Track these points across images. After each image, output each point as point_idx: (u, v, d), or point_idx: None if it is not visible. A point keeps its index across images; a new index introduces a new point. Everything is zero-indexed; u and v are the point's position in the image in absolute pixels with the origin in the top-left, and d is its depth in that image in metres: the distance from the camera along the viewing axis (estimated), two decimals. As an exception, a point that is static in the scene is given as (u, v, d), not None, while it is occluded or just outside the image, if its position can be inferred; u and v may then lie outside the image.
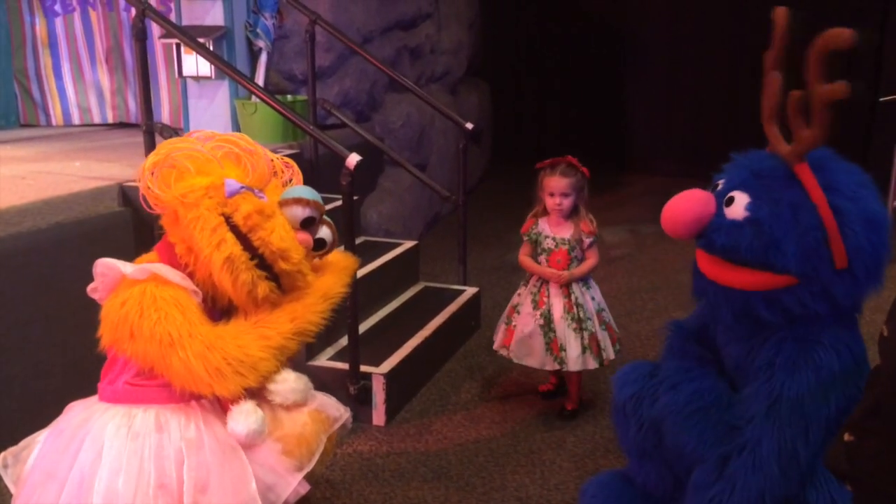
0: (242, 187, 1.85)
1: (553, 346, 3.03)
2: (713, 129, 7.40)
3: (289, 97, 4.66)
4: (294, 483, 1.99)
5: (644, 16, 7.76)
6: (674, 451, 1.96)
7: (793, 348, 1.77)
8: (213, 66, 4.22)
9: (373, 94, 5.22)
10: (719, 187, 1.89)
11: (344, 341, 3.21)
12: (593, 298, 3.09)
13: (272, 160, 2.05)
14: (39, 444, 1.88)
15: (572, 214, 3.08)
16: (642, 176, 7.79)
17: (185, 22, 4.45)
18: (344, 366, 3.07)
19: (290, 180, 2.16)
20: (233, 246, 1.83)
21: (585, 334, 3.02)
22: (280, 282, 1.94)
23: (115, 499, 1.75)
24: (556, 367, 3.04)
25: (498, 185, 7.28)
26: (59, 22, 4.81)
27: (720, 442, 1.86)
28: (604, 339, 3.06)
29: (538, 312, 3.05)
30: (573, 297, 3.04)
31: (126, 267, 1.81)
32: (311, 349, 3.18)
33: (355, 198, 3.00)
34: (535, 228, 3.13)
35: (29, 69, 4.90)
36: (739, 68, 6.99)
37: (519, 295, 3.18)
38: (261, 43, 4.46)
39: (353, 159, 2.83)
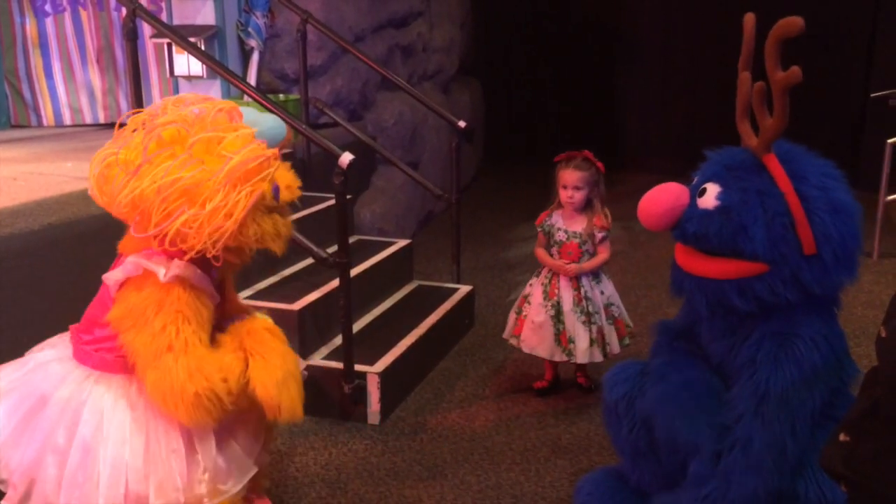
0: (276, 187, 1.85)
1: (562, 338, 3.08)
2: (706, 126, 7.36)
3: (281, 96, 4.65)
4: (257, 450, 2.04)
5: (637, 13, 7.77)
6: (666, 444, 1.97)
7: (772, 344, 1.81)
8: (204, 66, 4.21)
9: (365, 92, 5.21)
10: (694, 181, 1.96)
11: (338, 340, 3.20)
12: (602, 292, 3.13)
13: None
14: (8, 399, 1.82)
15: (586, 208, 3.13)
16: (635, 174, 7.77)
17: (176, 21, 4.44)
18: (338, 365, 3.06)
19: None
20: (278, 219, 1.88)
21: (593, 327, 3.08)
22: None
23: (123, 469, 1.76)
24: (565, 358, 3.09)
25: (491, 184, 7.29)
26: (49, 22, 4.78)
27: (712, 429, 1.87)
28: (609, 332, 3.12)
29: (549, 303, 3.10)
30: (582, 291, 3.09)
31: (160, 271, 1.77)
32: (306, 348, 3.18)
33: (348, 197, 3.00)
34: (549, 220, 3.20)
35: (19, 69, 4.88)
36: (733, 66, 6.99)
37: (531, 285, 3.23)
38: (252, 42, 4.45)
39: (346, 158, 2.83)
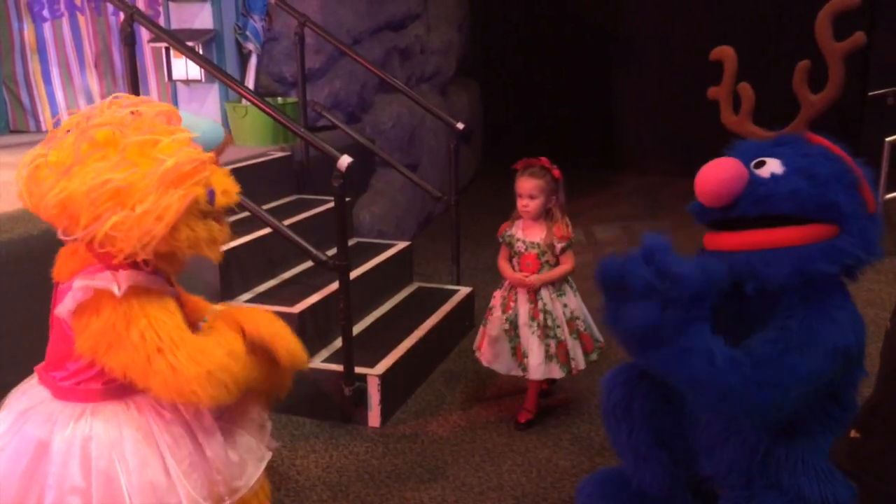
0: (212, 192, 1.79)
1: (517, 352, 2.97)
2: (703, 127, 7.37)
3: (279, 99, 4.66)
4: (266, 438, 2.04)
5: (633, 15, 7.78)
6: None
7: (806, 316, 1.80)
8: (202, 70, 4.22)
9: (363, 95, 5.22)
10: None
11: (338, 343, 3.20)
12: (565, 305, 2.97)
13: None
14: (6, 452, 1.78)
15: (546, 218, 2.99)
16: (633, 175, 7.81)
17: (173, 25, 4.44)
18: (339, 367, 3.06)
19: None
20: (214, 228, 1.83)
21: (552, 342, 2.93)
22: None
23: (151, 490, 1.74)
24: (521, 373, 2.97)
25: (489, 185, 7.28)
26: (47, 27, 4.79)
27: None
28: (574, 347, 2.96)
29: (504, 317, 2.99)
30: (540, 304, 2.94)
31: (113, 286, 1.70)
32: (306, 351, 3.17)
33: (347, 199, 3.00)
34: (509, 231, 3.07)
35: (18, 75, 4.88)
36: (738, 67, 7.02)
37: (495, 297, 3.12)
38: (250, 45, 4.45)
39: (345, 161, 2.83)
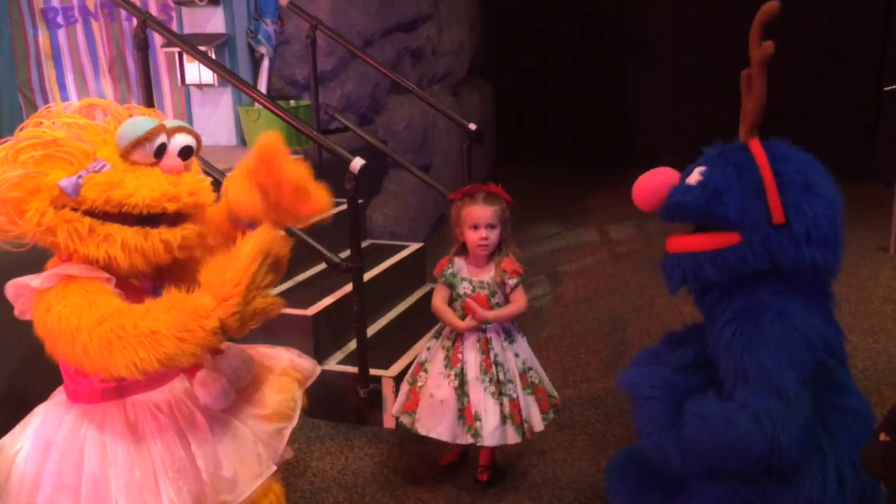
0: (78, 178, 1.69)
1: (467, 414, 2.49)
2: (717, 124, 7.38)
3: (291, 103, 4.67)
4: (281, 447, 2.00)
5: (646, 12, 7.74)
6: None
7: (740, 322, 1.88)
8: (215, 74, 4.23)
9: (375, 96, 5.22)
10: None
11: (352, 345, 3.21)
12: (517, 355, 2.57)
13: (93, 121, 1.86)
14: (21, 454, 1.81)
15: (494, 253, 2.60)
16: (648, 171, 7.77)
17: (186, 30, 4.47)
18: (353, 369, 3.07)
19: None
20: (118, 232, 1.71)
21: (506, 400, 2.50)
22: (186, 218, 1.83)
23: (138, 492, 1.75)
24: (470, 440, 2.49)
25: (503, 184, 7.26)
26: (61, 34, 4.82)
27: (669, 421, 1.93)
28: (527, 406, 2.55)
29: (451, 372, 2.52)
30: (492, 354, 2.52)
31: (34, 280, 1.73)
32: (321, 354, 3.18)
33: (360, 201, 3.00)
34: (450, 269, 2.61)
35: (33, 81, 4.92)
36: (743, 62, 6.98)
37: (429, 349, 2.65)
38: (262, 49, 4.47)
39: (358, 163, 2.83)
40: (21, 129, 1.78)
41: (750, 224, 1.86)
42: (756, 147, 1.92)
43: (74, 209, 1.70)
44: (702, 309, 2.06)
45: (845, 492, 1.84)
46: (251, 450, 1.93)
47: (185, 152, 1.85)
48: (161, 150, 1.79)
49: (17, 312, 1.80)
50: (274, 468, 1.97)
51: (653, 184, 2.05)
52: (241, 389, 1.96)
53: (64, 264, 1.76)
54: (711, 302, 1.99)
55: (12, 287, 1.77)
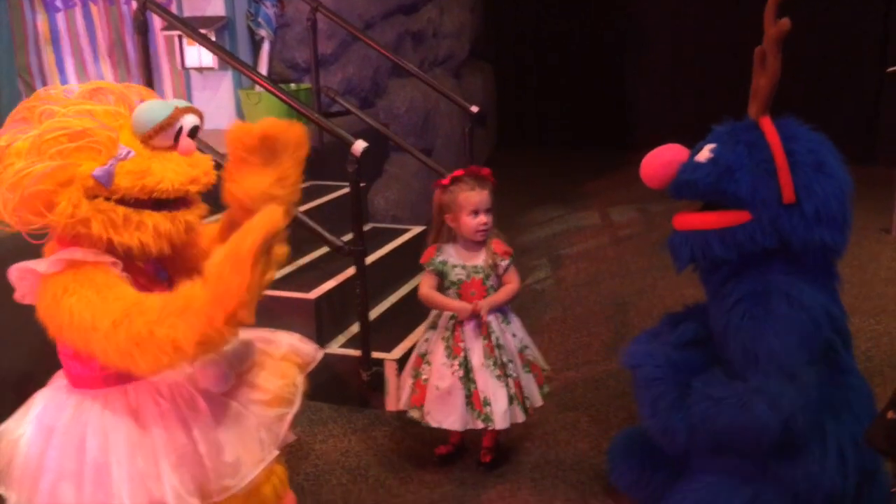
0: (111, 167, 1.67)
1: (475, 400, 2.50)
2: (717, 107, 7.35)
3: (292, 86, 4.65)
4: (282, 432, 1.99)
5: (648, -4, 7.70)
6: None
7: (748, 304, 1.88)
8: (215, 57, 4.22)
9: (376, 79, 5.20)
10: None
11: (355, 328, 3.22)
12: (514, 335, 2.59)
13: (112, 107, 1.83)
14: (23, 440, 1.81)
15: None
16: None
17: (186, 13, 4.45)
18: (356, 352, 3.07)
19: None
20: (149, 219, 1.72)
21: (510, 381, 2.53)
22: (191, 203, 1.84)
23: (141, 479, 1.75)
24: (481, 425, 2.51)
25: (504, 168, 7.20)
26: (60, 17, 4.80)
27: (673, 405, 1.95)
28: (528, 383, 2.58)
29: (455, 362, 2.52)
30: (493, 337, 2.53)
31: (40, 265, 1.72)
32: (323, 337, 3.19)
33: (362, 185, 3.00)
34: (440, 256, 2.60)
35: (32, 65, 4.89)
36: (742, 45, 6.96)
37: (427, 341, 2.63)
38: (263, 32, 4.45)
39: (360, 146, 2.83)
40: (17, 113, 1.75)
41: (760, 202, 1.86)
42: (767, 125, 1.91)
43: (107, 198, 1.70)
44: (707, 286, 2.06)
45: (846, 468, 1.85)
46: (253, 435, 1.92)
47: (194, 132, 1.86)
48: (179, 134, 1.80)
49: (17, 296, 1.79)
50: (276, 453, 1.97)
51: (662, 160, 2.03)
52: (242, 374, 1.96)
53: (68, 248, 1.74)
54: (718, 280, 1.99)
55: (16, 271, 1.76)
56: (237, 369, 1.94)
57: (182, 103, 1.85)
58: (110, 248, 1.74)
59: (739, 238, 1.88)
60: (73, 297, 1.68)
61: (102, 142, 1.69)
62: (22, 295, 1.79)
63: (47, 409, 1.85)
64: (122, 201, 1.71)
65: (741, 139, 1.93)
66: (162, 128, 1.76)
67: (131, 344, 1.62)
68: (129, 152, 1.71)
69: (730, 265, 1.94)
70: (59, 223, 1.68)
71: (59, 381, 1.92)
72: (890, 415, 1.08)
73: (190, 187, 1.78)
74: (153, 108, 1.78)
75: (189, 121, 1.83)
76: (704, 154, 1.96)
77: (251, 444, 1.91)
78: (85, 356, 1.74)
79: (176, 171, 1.76)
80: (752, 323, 1.86)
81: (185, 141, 1.82)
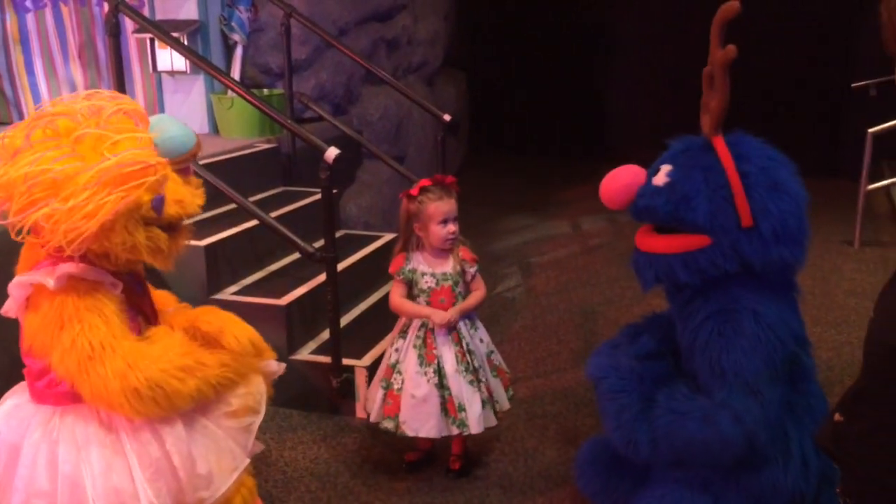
0: (162, 196, 1.74)
1: (450, 407, 2.52)
2: (691, 118, 7.47)
3: (265, 91, 4.64)
4: (250, 442, 2.00)
5: (621, 5, 7.79)
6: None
7: (715, 322, 1.91)
8: (187, 61, 4.19)
9: (349, 86, 5.20)
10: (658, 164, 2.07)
11: (326, 335, 3.21)
12: (482, 340, 2.64)
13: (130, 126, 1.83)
14: None
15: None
16: (619, 164, 7.82)
17: (158, 16, 4.42)
18: (326, 359, 3.07)
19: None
20: (173, 242, 1.84)
21: (482, 385, 2.57)
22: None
23: (115, 495, 1.73)
24: (457, 431, 2.53)
25: (476, 176, 7.29)
26: (30, 18, 4.74)
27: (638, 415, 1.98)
28: (496, 387, 2.64)
29: (430, 369, 2.53)
30: (464, 343, 2.57)
31: (48, 280, 1.69)
32: (293, 343, 3.18)
33: (334, 191, 3.00)
34: (409, 265, 2.62)
35: (0, 66, 4.84)
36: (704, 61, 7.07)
37: (397, 350, 2.63)
38: (236, 37, 4.43)
39: (332, 153, 2.83)
40: (33, 124, 1.71)
41: (719, 228, 1.88)
42: (721, 147, 1.93)
43: (155, 225, 1.76)
44: (673, 304, 2.09)
45: (809, 474, 1.90)
46: (223, 445, 1.92)
47: None
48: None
49: (3, 310, 1.76)
50: (248, 461, 1.97)
51: (619, 183, 2.06)
52: None
53: (67, 264, 1.71)
54: (683, 299, 2.02)
55: (19, 287, 1.73)
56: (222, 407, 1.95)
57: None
58: (115, 268, 1.78)
59: (701, 263, 1.91)
60: (78, 325, 1.69)
61: (156, 171, 1.71)
62: (8, 309, 1.76)
63: (10, 427, 1.80)
64: (162, 227, 1.78)
65: (697, 164, 1.94)
66: (193, 155, 1.83)
67: (145, 395, 1.70)
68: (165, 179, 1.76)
69: (693, 286, 1.97)
70: (114, 250, 1.71)
71: (16, 397, 1.88)
72: (837, 417, 1.12)
73: (195, 211, 1.88)
74: (182, 135, 1.82)
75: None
76: (661, 177, 1.98)
77: (223, 454, 1.91)
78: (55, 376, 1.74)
79: (193, 194, 1.86)
80: (720, 340, 1.89)
81: (190, 169, 1.91)
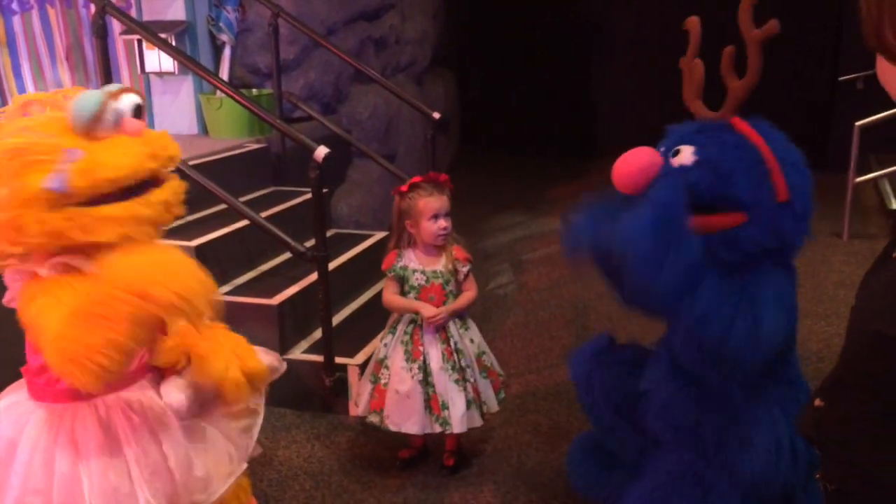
0: (60, 174, 1.61)
1: (433, 404, 2.54)
2: (678, 115, 7.50)
3: (254, 91, 4.64)
4: (250, 445, 2.00)
5: (613, 4, 7.81)
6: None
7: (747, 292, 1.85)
8: (175, 62, 4.19)
9: (338, 86, 5.20)
10: (662, 149, 2.00)
11: (318, 334, 3.22)
12: (472, 340, 2.63)
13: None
14: None
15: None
16: (610, 162, 7.82)
17: (145, 17, 4.41)
18: (319, 358, 3.08)
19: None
20: (122, 210, 1.68)
21: (469, 385, 2.57)
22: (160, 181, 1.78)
23: (112, 494, 1.72)
24: (439, 429, 2.54)
25: (466, 174, 7.29)
26: (16, 20, 4.72)
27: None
28: (485, 388, 2.63)
29: (415, 366, 2.54)
30: (452, 342, 2.57)
31: (41, 270, 1.68)
32: (286, 342, 3.18)
33: (324, 190, 3.01)
34: (400, 262, 2.62)
35: (-13, 69, 4.81)
36: (703, 51, 7.10)
37: (386, 346, 2.64)
38: (224, 37, 4.42)
39: (322, 152, 2.83)
40: None
41: (759, 203, 1.84)
42: (745, 126, 1.91)
43: (71, 205, 1.64)
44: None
45: (798, 464, 1.91)
46: (221, 449, 1.91)
47: (137, 111, 1.80)
48: (118, 117, 1.73)
49: (6, 300, 1.75)
50: (245, 466, 1.96)
51: (639, 164, 1.93)
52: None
53: (65, 256, 1.69)
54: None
55: (12, 272, 1.71)
56: (201, 395, 1.90)
57: (112, 87, 1.78)
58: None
59: (742, 241, 1.86)
60: (44, 298, 1.63)
61: (45, 151, 1.63)
62: (10, 299, 1.74)
63: (7, 423, 1.80)
64: (91, 202, 1.65)
65: (724, 141, 1.90)
66: (98, 118, 1.69)
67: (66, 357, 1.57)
68: (76, 153, 1.65)
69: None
70: (33, 243, 1.63)
71: (14, 394, 1.87)
72: (817, 402, 1.13)
73: (149, 165, 1.72)
74: (85, 100, 1.71)
75: (127, 101, 1.76)
76: (687, 157, 1.91)
77: (220, 458, 1.90)
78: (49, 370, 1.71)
79: (128, 153, 1.70)
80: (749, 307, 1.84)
81: (129, 123, 1.75)
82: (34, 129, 1.68)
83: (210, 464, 1.87)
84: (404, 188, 2.60)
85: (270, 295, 3.22)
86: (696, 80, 2.13)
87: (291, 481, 2.67)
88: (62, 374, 1.61)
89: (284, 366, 2.16)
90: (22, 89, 4.83)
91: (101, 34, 3.15)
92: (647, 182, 1.90)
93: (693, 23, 2.15)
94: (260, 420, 2.03)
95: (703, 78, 2.11)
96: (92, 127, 1.69)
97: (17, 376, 1.88)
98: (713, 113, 2.09)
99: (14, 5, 4.70)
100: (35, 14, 4.71)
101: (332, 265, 3.26)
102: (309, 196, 3.03)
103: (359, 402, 2.70)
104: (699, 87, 2.13)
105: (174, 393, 1.85)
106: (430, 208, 2.54)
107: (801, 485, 1.92)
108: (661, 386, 2.04)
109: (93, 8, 3.16)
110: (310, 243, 3.08)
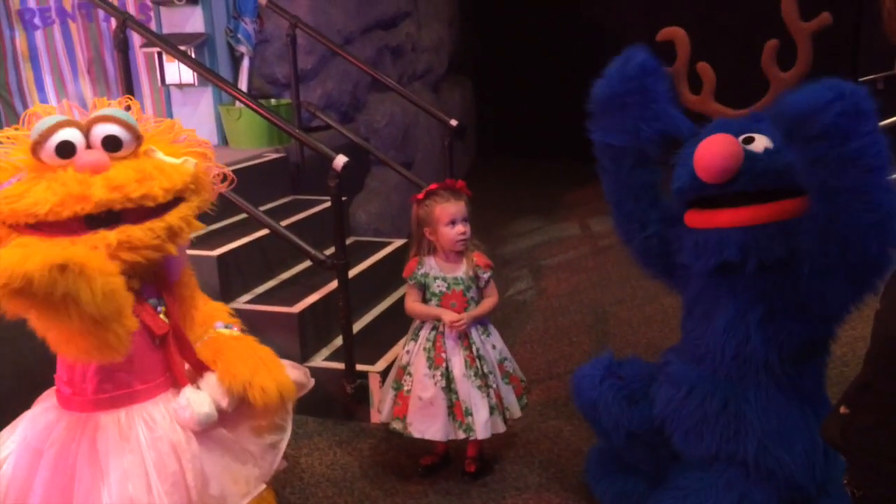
0: None
1: (456, 411, 2.54)
2: (693, 116, 7.47)
3: (272, 101, 4.67)
4: (276, 462, 2.00)
5: (624, 9, 7.80)
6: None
7: None
8: (195, 74, 4.23)
9: (356, 94, 5.23)
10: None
11: (339, 341, 3.23)
12: (494, 346, 2.63)
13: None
14: (9, 461, 1.80)
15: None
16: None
17: (165, 30, 4.46)
18: (340, 365, 3.09)
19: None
20: (36, 246, 1.55)
21: (491, 391, 2.57)
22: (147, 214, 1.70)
23: None
24: (463, 435, 2.54)
25: (483, 181, 7.29)
26: (39, 35, 4.79)
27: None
28: (507, 394, 2.62)
29: (437, 372, 2.54)
30: (474, 349, 2.57)
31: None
32: (307, 350, 3.20)
33: (343, 199, 3.02)
34: (421, 269, 2.63)
35: (11, 83, 4.89)
36: (716, 57, 7.06)
37: (408, 352, 2.65)
38: (242, 48, 4.47)
39: (340, 161, 2.85)
40: None
41: None
42: None
43: (5, 225, 1.64)
44: (723, 283, 1.99)
45: (828, 465, 1.89)
46: (240, 469, 1.91)
47: (110, 143, 1.70)
48: (65, 148, 1.66)
49: None
50: (263, 487, 1.95)
51: (731, 151, 1.88)
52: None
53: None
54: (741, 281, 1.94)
55: None
56: (224, 407, 1.90)
57: (98, 112, 1.74)
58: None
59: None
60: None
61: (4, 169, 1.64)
62: None
63: (35, 430, 1.82)
64: (18, 227, 1.63)
65: None
66: (36, 145, 1.64)
67: None
68: (14, 179, 1.64)
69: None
70: None
71: (46, 401, 1.90)
72: (842, 409, 1.12)
73: (75, 207, 1.61)
74: (38, 124, 1.67)
75: (98, 132, 1.69)
76: (762, 144, 1.89)
77: (238, 478, 1.90)
78: (95, 378, 1.75)
79: (55, 190, 1.60)
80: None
81: (88, 155, 1.66)
82: (6, 146, 1.70)
83: (227, 482, 1.87)
84: (421, 196, 2.62)
85: (291, 303, 3.24)
86: (709, 82, 2.15)
87: (314, 488, 2.68)
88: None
89: (312, 382, 2.15)
90: (45, 102, 4.90)
91: (122, 48, 3.19)
92: (734, 171, 1.87)
93: (676, 34, 2.27)
94: (287, 437, 2.03)
95: (714, 79, 2.13)
96: (35, 152, 1.67)
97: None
98: (732, 111, 2.08)
99: (36, 20, 4.78)
100: (57, 28, 4.79)
101: (351, 273, 3.28)
102: (328, 204, 3.05)
103: (381, 408, 2.70)
104: (712, 89, 2.14)
105: (200, 398, 1.86)
106: (447, 214, 2.55)
107: (822, 486, 1.91)
108: (683, 406, 2.02)
109: (114, 22, 3.21)
110: (329, 251, 3.09)
